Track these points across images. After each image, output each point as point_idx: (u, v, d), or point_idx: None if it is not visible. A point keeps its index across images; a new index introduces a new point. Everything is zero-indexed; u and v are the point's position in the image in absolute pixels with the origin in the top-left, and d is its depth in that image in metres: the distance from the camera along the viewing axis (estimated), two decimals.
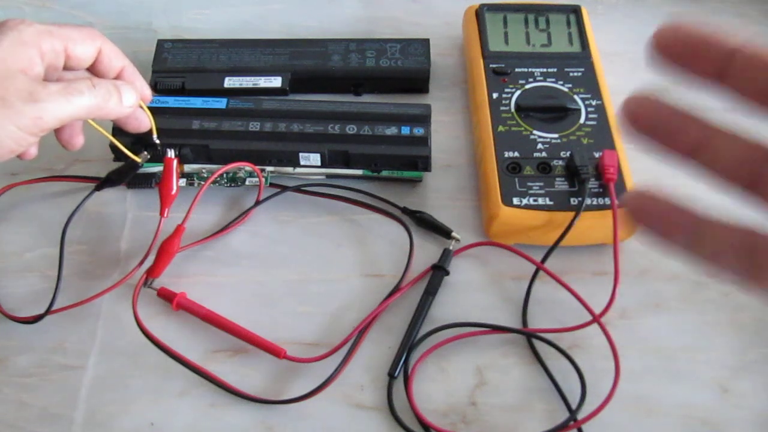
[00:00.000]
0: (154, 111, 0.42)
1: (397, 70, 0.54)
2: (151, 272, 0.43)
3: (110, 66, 0.40)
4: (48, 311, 0.42)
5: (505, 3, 0.55)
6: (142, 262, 0.44)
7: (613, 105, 0.49)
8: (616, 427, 0.40)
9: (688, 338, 0.43)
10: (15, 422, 0.40)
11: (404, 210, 0.48)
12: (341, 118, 0.46)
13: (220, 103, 0.44)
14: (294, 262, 0.46)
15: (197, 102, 0.44)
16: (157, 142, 0.42)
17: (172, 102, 0.44)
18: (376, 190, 0.49)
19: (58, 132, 0.41)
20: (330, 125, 0.44)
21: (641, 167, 0.44)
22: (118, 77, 0.40)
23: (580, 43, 0.53)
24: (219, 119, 0.43)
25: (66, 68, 0.38)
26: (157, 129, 0.42)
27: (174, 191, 0.44)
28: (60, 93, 0.35)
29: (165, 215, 0.43)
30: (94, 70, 0.39)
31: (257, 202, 0.48)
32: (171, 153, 0.42)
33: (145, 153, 0.43)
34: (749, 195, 0.20)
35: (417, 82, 0.54)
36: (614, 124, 0.48)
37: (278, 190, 0.48)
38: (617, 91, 0.50)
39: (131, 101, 0.38)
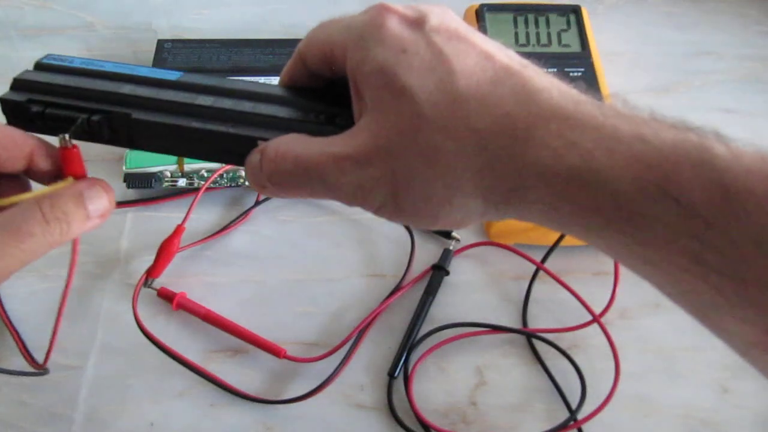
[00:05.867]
0: (80, 72, 0.30)
1: None
2: (151, 272, 0.43)
3: (43, 168, 0.29)
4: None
5: (505, 3, 0.55)
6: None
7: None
8: (616, 427, 0.40)
9: (688, 338, 0.43)
10: (15, 422, 0.39)
11: None
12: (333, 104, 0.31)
13: (173, 74, 0.31)
14: (294, 262, 0.46)
15: (143, 70, 0.31)
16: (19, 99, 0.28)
17: (109, 66, 0.31)
18: None
19: None
20: (314, 114, 0.29)
21: None
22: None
23: (580, 43, 0.53)
24: (161, 88, 0.30)
25: None
26: (67, 87, 0.29)
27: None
28: (8, 245, 0.26)
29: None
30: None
31: (257, 202, 0.48)
32: (67, 138, 0.28)
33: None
34: None
35: None
36: None
37: None
38: (617, 90, 0.50)
39: (101, 208, 0.28)
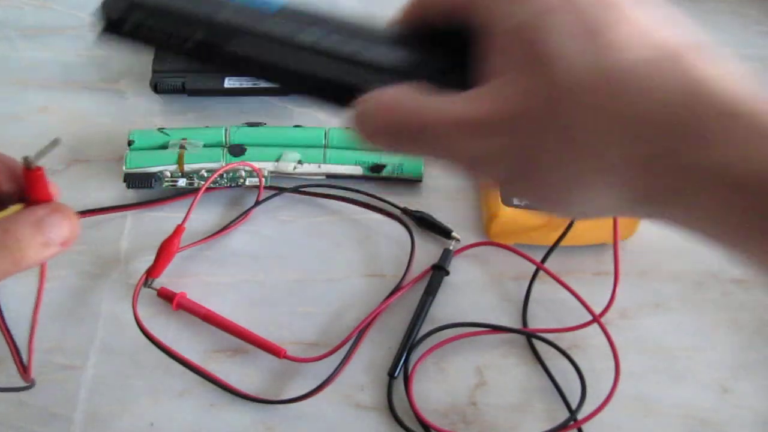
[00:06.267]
0: None
1: None
2: (151, 272, 0.43)
3: (6, 189, 0.27)
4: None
5: None
6: None
7: None
8: (616, 427, 0.40)
9: (688, 338, 0.43)
10: (15, 422, 0.40)
11: (404, 210, 0.48)
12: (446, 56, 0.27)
13: (276, 3, 0.28)
14: (294, 262, 0.46)
15: None
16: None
17: None
18: (376, 190, 0.49)
19: None
20: (425, 64, 0.26)
21: None
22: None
23: None
24: (261, 17, 0.28)
25: None
26: (163, 7, 0.28)
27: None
28: None
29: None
30: None
31: (257, 203, 0.48)
32: (30, 159, 0.26)
33: None
34: None
35: None
36: None
37: (278, 190, 0.48)
38: None
39: (62, 235, 0.26)
